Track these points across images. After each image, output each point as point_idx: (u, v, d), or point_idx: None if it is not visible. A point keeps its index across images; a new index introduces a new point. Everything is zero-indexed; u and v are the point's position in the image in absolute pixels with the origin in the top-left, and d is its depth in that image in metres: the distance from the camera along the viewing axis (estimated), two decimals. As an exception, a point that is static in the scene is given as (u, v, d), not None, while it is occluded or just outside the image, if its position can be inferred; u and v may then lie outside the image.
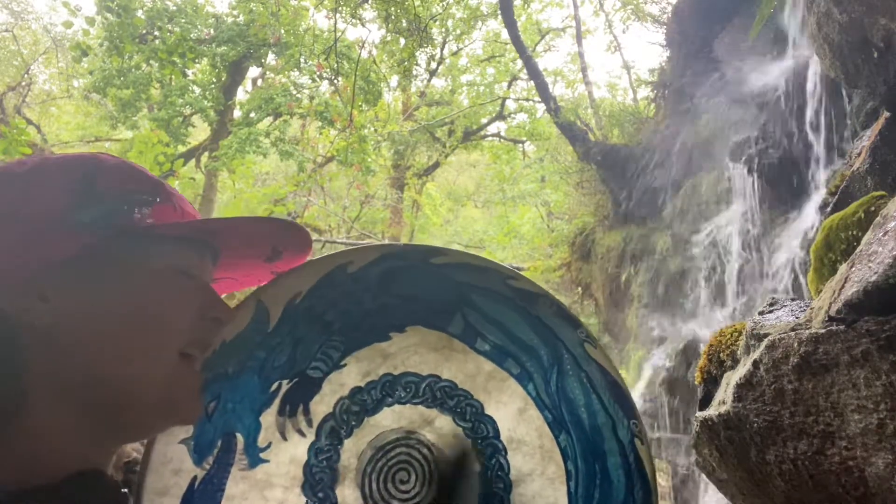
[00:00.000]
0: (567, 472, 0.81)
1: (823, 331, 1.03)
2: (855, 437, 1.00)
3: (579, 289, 6.56)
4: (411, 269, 0.82)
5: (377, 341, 0.81)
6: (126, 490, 0.66)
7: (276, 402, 0.78)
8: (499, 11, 8.57)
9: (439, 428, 0.82)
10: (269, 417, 0.78)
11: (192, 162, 12.53)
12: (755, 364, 1.16)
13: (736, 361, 1.35)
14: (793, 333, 1.09)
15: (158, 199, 0.63)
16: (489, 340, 0.83)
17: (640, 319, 5.09)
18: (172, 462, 0.74)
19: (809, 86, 4.08)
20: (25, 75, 14.10)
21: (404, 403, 0.81)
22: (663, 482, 4.57)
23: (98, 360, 0.58)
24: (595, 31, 15.96)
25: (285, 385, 0.78)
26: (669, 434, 4.00)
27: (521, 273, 0.87)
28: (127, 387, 0.60)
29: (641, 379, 4.46)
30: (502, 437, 0.82)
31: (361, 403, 0.80)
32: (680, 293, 4.75)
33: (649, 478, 0.82)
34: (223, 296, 0.76)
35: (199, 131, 13.67)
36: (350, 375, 0.80)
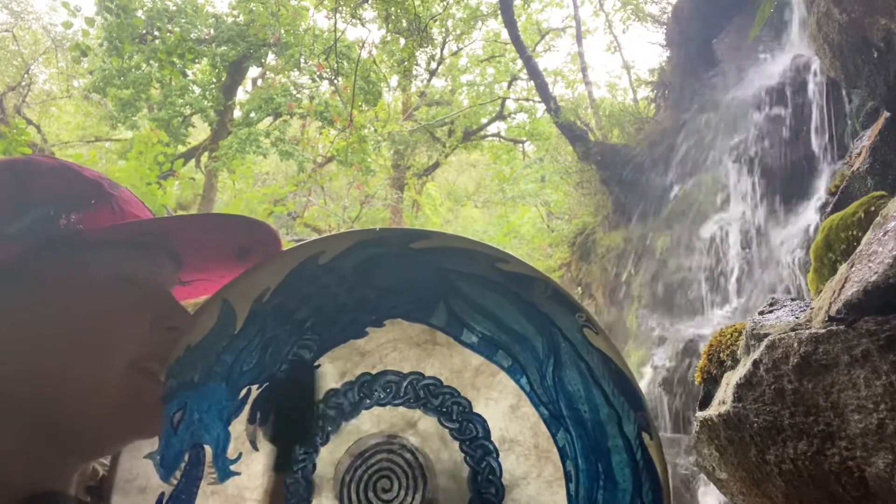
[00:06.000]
0: (566, 474, 0.74)
1: (823, 331, 1.03)
2: (855, 437, 1.00)
3: (579, 289, 6.55)
4: (390, 257, 0.76)
5: (353, 338, 0.75)
6: None
7: (246, 409, 0.73)
8: (499, 11, 8.57)
9: (423, 430, 0.75)
10: (238, 426, 0.72)
11: (192, 162, 12.53)
12: (755, 364, 1.16)
13: (736, 361, 1.35)
14: (793, 333, 1.09)
15: (93, 202, 0.58)
16: (476, 331, 0.76)
17: (640, 319, 5.08)
18: (138, 479, 0.69)
19: (810, 86, 4.09)
20: (25, 75, 14.10)
21: (384, 405, 0.75)
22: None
23: (40, 380, 0.55)
24: (595, 31, 15.89)
25: (255, 391, 0.73)
26: (669, 434, 3.99)
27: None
28: (74, 407, 0.56)
29: (642, 379, 4.46)
30: (493, 438, 0.75)
31: (338, 407, 0.75)
32: (680, 293, 4.75)
33: (660, 476, 0.73)
34: (195, 299, 0.72)
35: (199, 131, 13.67)
36: (324, 377, 0.75)
